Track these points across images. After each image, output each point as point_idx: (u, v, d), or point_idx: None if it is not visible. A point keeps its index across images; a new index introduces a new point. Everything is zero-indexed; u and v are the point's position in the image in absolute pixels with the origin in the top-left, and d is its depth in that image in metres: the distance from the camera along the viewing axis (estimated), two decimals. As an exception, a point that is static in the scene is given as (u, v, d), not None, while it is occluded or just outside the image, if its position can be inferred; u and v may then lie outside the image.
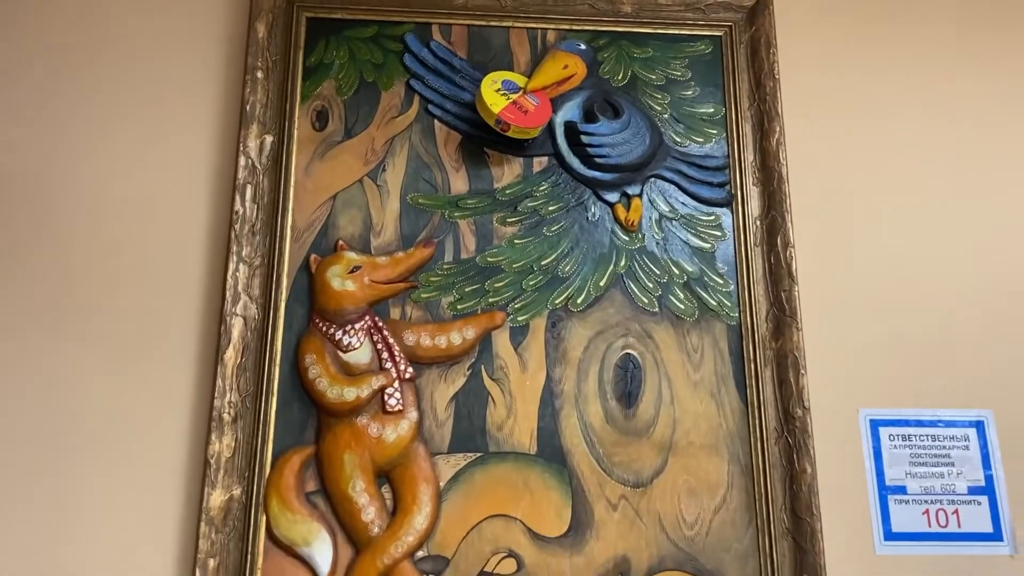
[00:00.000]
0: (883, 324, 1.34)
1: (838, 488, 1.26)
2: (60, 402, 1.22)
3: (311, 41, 1.40)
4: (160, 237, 1.31)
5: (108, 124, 1.36)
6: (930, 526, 1.26)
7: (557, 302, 1.30)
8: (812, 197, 1.39)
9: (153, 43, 1.40)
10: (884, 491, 1.27)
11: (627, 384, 1.28)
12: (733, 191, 1.37)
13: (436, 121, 1.38)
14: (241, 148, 1.31)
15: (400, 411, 1.22)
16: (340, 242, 1.30)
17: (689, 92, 1.43)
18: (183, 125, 1.37)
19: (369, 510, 1.18)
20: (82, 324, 1.26)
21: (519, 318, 1.29)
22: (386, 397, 1.22)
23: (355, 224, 1.32)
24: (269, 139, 1.34)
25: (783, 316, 1.30)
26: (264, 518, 1.18)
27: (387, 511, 1.19)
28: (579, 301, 1.30)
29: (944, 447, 1.29)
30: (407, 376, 1.24)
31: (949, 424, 1.30)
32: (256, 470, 1.19)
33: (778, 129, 1.39)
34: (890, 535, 1.25)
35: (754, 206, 1.37)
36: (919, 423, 1.30)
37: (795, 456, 1.24)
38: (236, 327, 1.24)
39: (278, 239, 1.29)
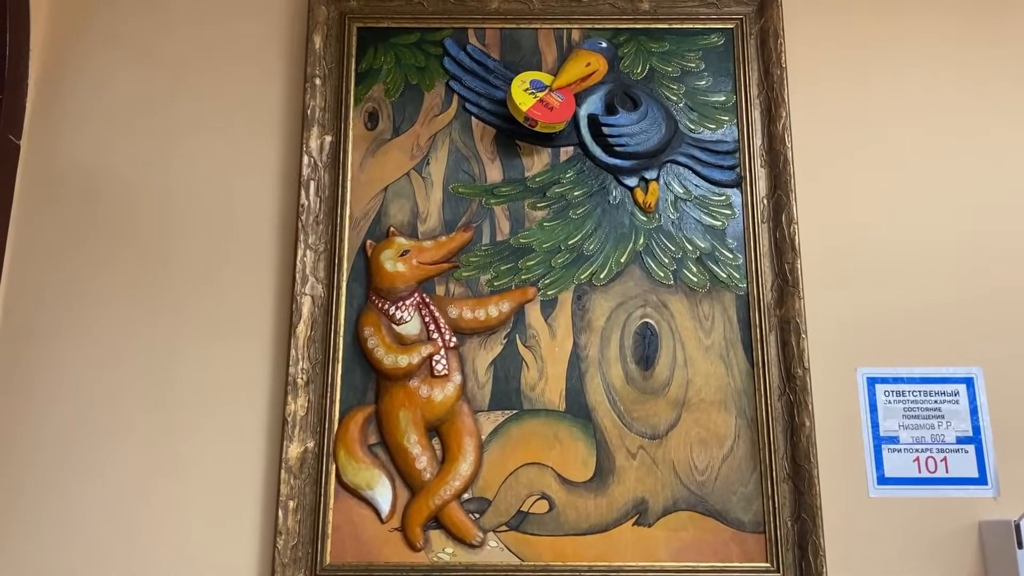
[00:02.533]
0: (880, 290, 1.48)
1: (836, 439, 1.41)
2: (157, 370, 1.45)
3: (361, 49, 1.58)
4: (238, 226, 1.52)
5: (190, 128, 1.56)
6: (920, 472, 1.41)
7: (582, 277, 1.47)
8: (815, 177, 1.52)
9: (224, 57, 1.60)
10: (878, 441, 1.42)
11: (645, 349, 1.44)
12: (742, 173, 1.51)
13: (473, 118, 1.55)
14: (304, 148, 1.51)
15: (446, 375, 1.41)
16: (391, 229, 1.49)
17: (702, 82, 1.57)
18: (253, 128, 1.56)
19: (422, 459, 1.38)
20: (175, 303, 1.48)
21: (548, 292, 1.47)
22: (434, 363, 1.41)
23: (404, 212, 1.51)
24: (328, 139, 1.53)
25: (786, 286, 1.45)
26: (334, 466, 1.39)
27: (437, 460, 1.39)
28: (602, 276, 1.47)
29: (936, 401, 1.43)
30: (451, 345, 1.43)
31: (941, 380, 1.44)
32: (326, 426, 1.40)
33: (784, 115, 1.52)
34: (883, 480, 1.40)
35: (761, 186, 1.51)
36: (912, 380, 1.44)
37: (795, 411, 1.40)
38: (305, 305, 1.44)
39: (338, 227, 1.49)
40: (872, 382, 1.44)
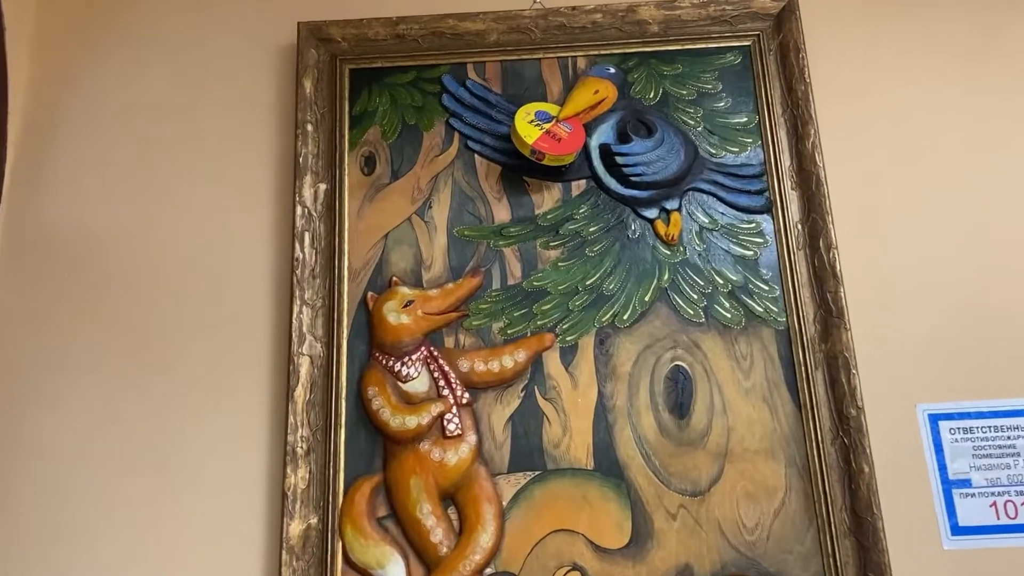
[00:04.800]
0: (933, 317, 1.33)
1: (899, 485, 1.26)
2: (144, 444, 1.33)
3: (355, 91, 1.49)
4: (230, 284, 1.41)
5: (176, 183, 1.47)
6: (999, 518, 1.24)
7: (604, 320, 1.34)
8: (851, 196, 1.40)
9: (210, 107, 1.51)
10: (947, 485, 1.26)
11: (678, 395, 1.31)
12: (772, 197, 1.39)
13: (476, 155, 1.45)
14: (297, 198, 1.40)
15: (459, 435, 1.28)
16: (394, 278, 1.37)
17: (721, 104, 1.45)
18: (243, 180, 1.46)
19: (437, 531, 1.24)
20: (164, 369, 1.36)
21: (567, 338, 1.34)
22: (445, 423, 1.28)
23: (406, 260, 1.39)
24: (323, 187, 1.42)
25: (830, 317, 1.31)
26: (340, 544, 1.25)
27: (454, 531, 1.25)
28: (625, 317, 1.34)
29: (1009, 437, 1.28)
30: (464, 401, 1.30)
31: (1013, 414, 1.29)
32: (330, 499, 1.27)
33: (812, 132, 1.40)
34: (957, 530, 1.24)
35: (794, 210, 1.38)
36: (980, 415, 1.29)
37: (852, 456, 1.25)
38: (303, 366, 1.32)
39: (336, 280, 1.37)
40: (935, 419, 1.29)
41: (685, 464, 1.28)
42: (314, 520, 1.26)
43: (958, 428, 1.29)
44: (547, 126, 1.39)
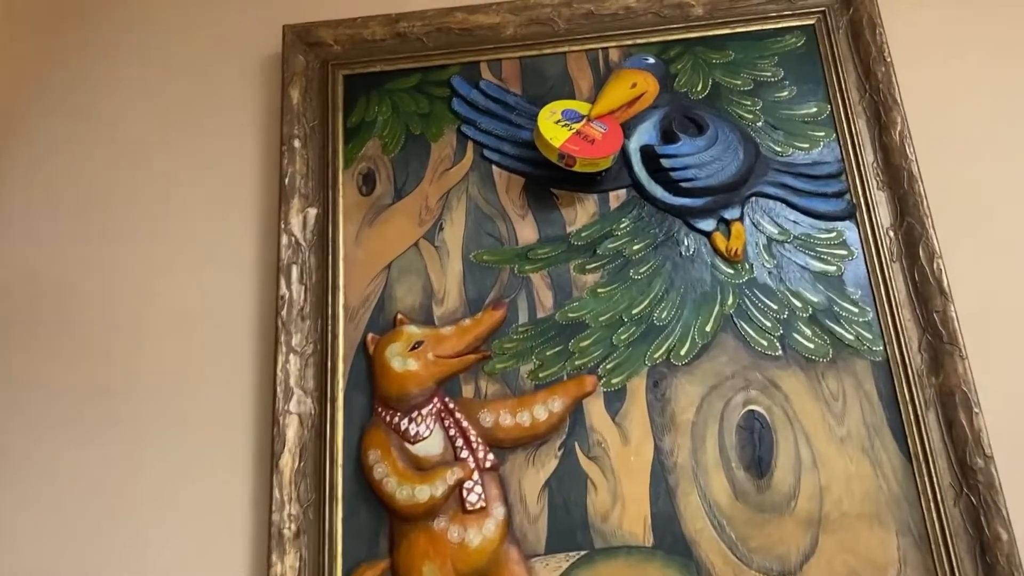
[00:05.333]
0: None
1: (1050, 556, 0.98)
2: (109, 524, 1.09)
3: (350, 100, 1.27)
4: (209, 331, 1.18)
5: (149, 217, 1.25)
6: None
7: (656, 356, 1.09)
8: (953, 194, 1.14)
9: (188, 126, 1.30)
10: (1113, 555, 0.98)
11: (755, 448, 1.04)
12: (855, 200, 1.14)
13: (494, 167, 1.22)
14: (283, 225, 1.18)
15: (483, 508, 1.03)
16: (399, 316, 1.14)
17: (784, 93, 1.21)
18: (225, 208, 1.25)
19: (458, 632, 0.98)
20: (131, 430, 1.14)
21: (613, 381, 1.09)
22: (465, 493, 1.03)
23: (414, 294, 1.16)
24: (313, 212, 1.20)
25: (940, 343, 1.05)
26: (338, 651, 1.00)
27: (480, 631, 0.99)
28: (683, 352, 1.09)
29: None
30: (488, 465, 1.05)
31: None
32: (325, 593, 1.02)
33: (899, 120, 1.15)
34: None
35: (884, 214, 1.13)
36: None
37: (983, 519, 0.97)
38: (291, 427, 1.08)
39: (330, 321, 1.14)
40: (1087, 468, 1.01)
41: (769, 535, 1.01)
42: (306, 620, 1.01)
43: (1117, 479, 1.00)
44: (577, 126, 1.15)
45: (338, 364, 1.12)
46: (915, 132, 1.15)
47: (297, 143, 1.23)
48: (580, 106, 1.19)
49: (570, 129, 1.15)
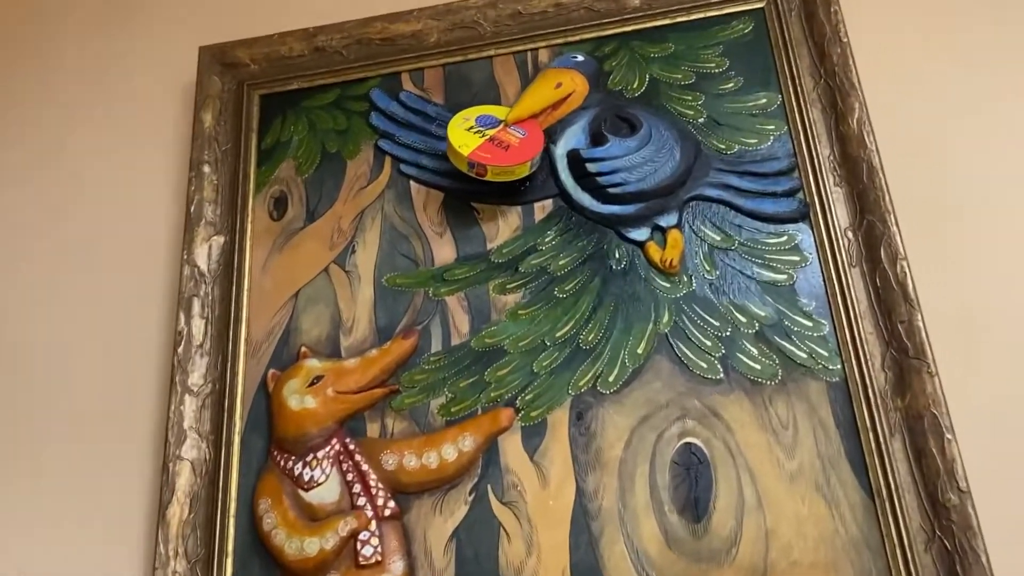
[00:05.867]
0: (1071, 348, 0.89)
1: (1047, 612, 0.81)
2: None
3: (266, 121, 1.19)
4: (111, 371, 1.10)
5: (54, 254, 1.19)
6: None
7: (581, 385, 0.96)
8: (919, 188, 0.99)
9: (106, 157, 1.24)
10: None
11: (692, 488, 0.90)
12: (808, 198, 1.00)
13: (412, 182, 1.11)
14: (185, 256, 1.10)
15: (379, 563, 0.91)
16: (303, 349, 1.04)
17: (730, 84, 1.08)
18: (132, 240, 1.17)
19: None
20: (25, 479, 1.05)
21: (532, 414, 0.96)
22: (359, 546, 0.91)
23: (321, 324, 1.06)
24: (220, 240, 1.12)
25: (906, 359, 0.89)
26: None
27: None
28: (611, 379, 0.96)
29: None
30: (387, 513, 0.93)
31: None
32: (207, 661, 0.91)
33: (857, 106, 1.01)
34: None
35: (841, 213, 0.98)
36: None
37: (959, 567, 0.81)
38: (182, 474, 0.99)
39: (231, 358, 1.05)
40: (1092, 504, 0.84)
41: (706, 591, 0.86)
42: None
43: None
44: (491, 132, 1.05)
45: (236, 404, 1.03)
46: (875, 120, 1.01)
47: (207, 168, 1.16)
48: (498, 111, 1.08)
49: (483, 136, 1.04)
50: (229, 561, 0.95)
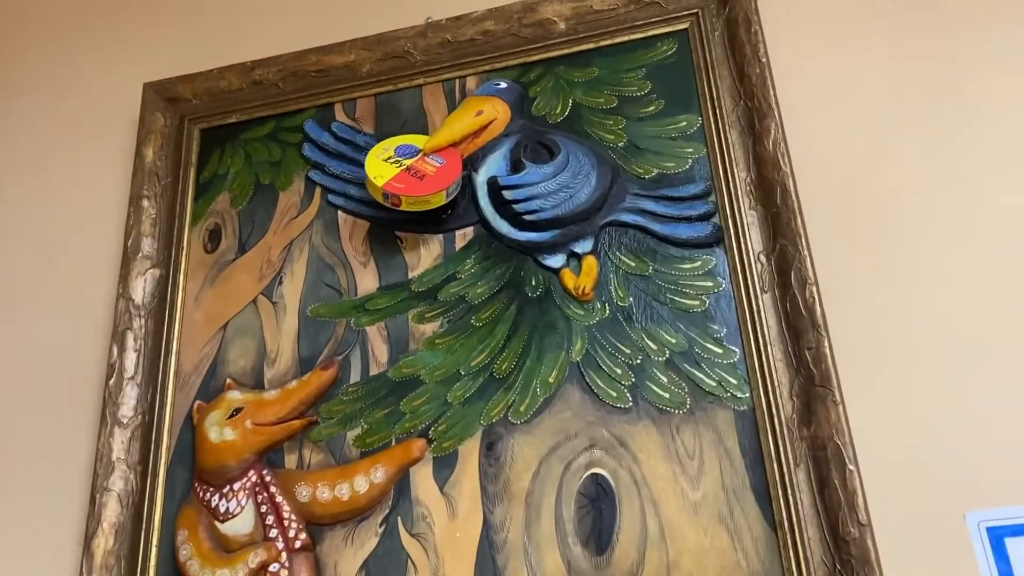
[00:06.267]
0: (979, 379, 0.87)
1: (947, 648, 0.78)
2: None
3: (205, 154, 1.21)
4: (45, 401, 1.13)
5: (9, 290, 1.22)
6: None
7: (493, 415, 0.96)
8: (833, 211, 0.97)
9: (52, 192, 1.27)
10: (1032, 646, 0.78)
11: (596, 519, 0.89)
12: (722, 222, 0.98)
13: (339, 212, 1.13)
14: (120, 290, 1.13)
15: (287, 595, 0.91)
16: (228, 381, 1.05)
17: (651, 108, 1.08)
18: (74, 274, 1.20)
19: None
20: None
21: (444, 444, 0.96)
22: (268, 577, 0.92)
23: (247, 356, 1.07)
24: (155, 273, 1.14)
25: (812, 386, 0.88)
26: None
27: None
28: (522, 409, 0.96)
29: None
30: (298, 545, 0.94)
31: None
32: None
33: (774, 127, 1.00)
34: None
35: (755, 238, 0.97)
36: (1077, 524, 0.80)
37: (859, 604, 0.79)
38: (108, 505, 1.01)
39: (159, 390, 1.07)
40: (997, 536, 0.82)
41: (606, 624, 0.85)
42: None
43: (1041, 548, 0.80)
44: (408, 162, 1.05)
45: (163, 436, 1.05)
46: (792, 142, 1.00)
47: (146, 203, 1.18)
48: (417, 140, 1.09)
49: (399, 166, 1.05)
50: (149, 593, 0.97)
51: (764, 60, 1.04)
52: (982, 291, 0.90)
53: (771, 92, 1.02)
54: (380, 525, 0.94)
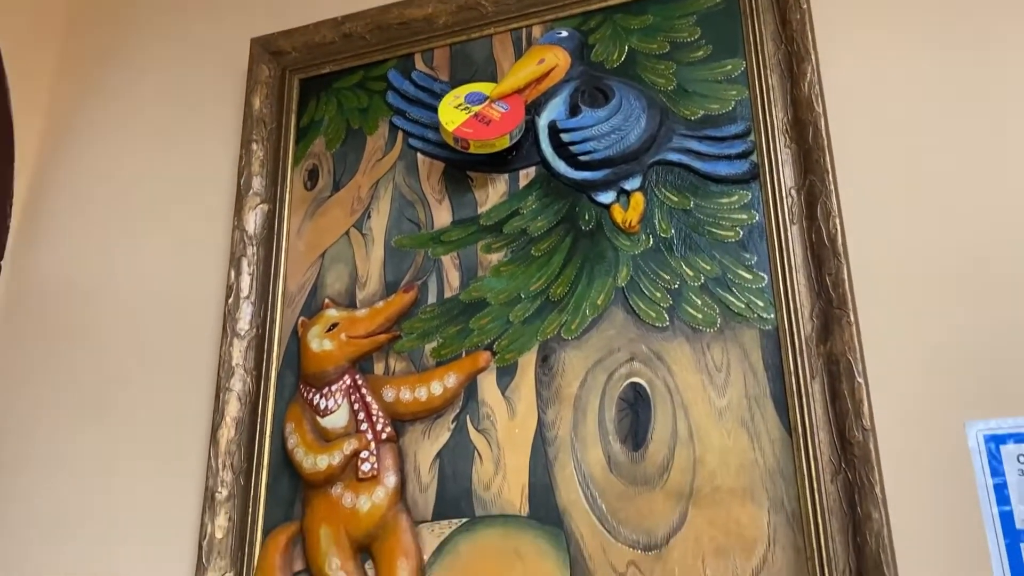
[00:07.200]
0: (988, 300, 0.95)
1: (936, 537, 0.90)
2: (88, 484, 1.27)
3: (304, 102, 1.38)
4: (184, 322, 1.33)
5: (147, 226, 1.43)
6: (1097, 588, 0.84)
7: (548, 332, 1.11)
8: (866, 153, 1.05)
9: (178, 144, 1.46)
10: (1013, 537, 0.88)
11: (634, 421, 1.03)
12: (759, 159, 1.08)
13: (419, 154, 1.27)
14: (236, 222, 1.31)
15: (375, 477, 1.10)
16: (326, 300, 1.23)
17: (700, 53, 1.17)
18: (207, 211, 1.39)
19: (346, 591, 1.07)
20: (120, 417, 1.31)
21: (507, 356, 1.11)
22: (360, 463, 1.11)
23: (342, 280, 1.24)
24: (264, 208, 1.32)
25: (831, 308, 0.98)
26: (253, 602, 1.12)
27: (369, 591, 1.07)
28: (574, 327, 1.10)
29: (1114, 467, 0.87)
30: (384, 437, 1.12)
31: (1121, 431, 0.88)
32: (247, 550, 1.14)
33: (810, 71, 1.08)
34: (1029, 603, 0.86)
35: (787, 174, 1.06)
36: (1068, 434, 0.89)
37: (857, 495, 0.91)
38: (230, 403, 1.22)
39: (271, 307, 1.26)
40: (994, 442, 0.91)
41: (639, 508, 1.00)
42: (231, 574, 1.14)
43: (1032, 454, 0.90)
44: (476, 108, 1.18)
45: (273, 346, 1.24)
46: (829, 86, 1.07)
47: (255, 146, 1.36)
48: (486, 87, 1.22)
49: (468, 112, 1.18)
50: (264, 472, 1.17)
51: (805, 6, 1.11)
52: (985, 220, 0.97)
53: (809, 37, 1.09)
54: (452, 422, 1.11)
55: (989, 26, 1.05)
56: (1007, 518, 0.89)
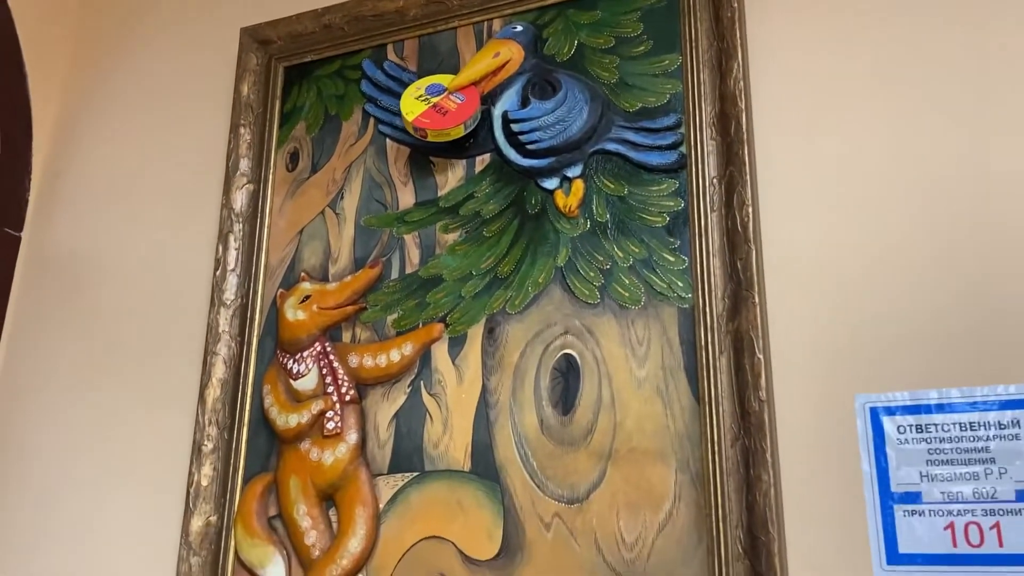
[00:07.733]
0: (883, 287, 1.04)
1: (821, 499, 1.00)
2: (96, 445, 1.43)
3: (288, 89, 1.49)
4: (178, 293, 1.47)
5: (149, 202, 1.56)
6: (956, 545, 0.95)
7: (495, 306, 1.22)
8: (784, 147, 1.13)
9: (178, 126, 1.59)
10: (888, 500, 0.98)
11: (564, 388, 1.15)
12: (687, 150, 1.17)
13: (388, 140, 1.38)
14: (224, 201, 1.44)
15: (338, 434, 1.23)
16: (302, 274, 1.36)
17: (642, 47, 1.25)
18: (199, 190, 1.51)
19: (311, 533, 1.21)
20: (122, 379, 1.46)
21: (457, 328, 1.23)
22: (325, 421, 1.24)
23: (317, 255, 1.37)
24: (250, 188, 1.44)
25: (740, 290, 1.08)
26: (233, 542, 1.26)
27: (331, 534, 1.21)
28: (517, 302, 1.21)
29: (980, 438, 0.97)
30: (348, 399, 1.25)
31: (989, 407, 0.97)
32: (228, 497, 1.29)
33: (736, 67, 1.16)
34: (896, 557, 0.96)
35: (711, 164, 1.15)
36: (943, 407, 0.99)
37: (751, 459, 1.02)
38: (216, 365, 1.35)
39: (253, 280, 1.39)
40: (878, 414, 1.01)
41: (565, 466, 1.12)
42: (214, 517, 1.29)
43: (910, 426, 1.00)
44: (435, 99, 1.29)
45: (256, 315, 1.37)
46: (755, 82, 1.16)
47: (243, 130, 1.48)
48: (445, 79, 1.32)
49: (427, 103, 1.28)
50: (245, 428, 1.31)
51: (735, 5, 1.19)
52: (883, 216, 1.06)
53: (738, 34, 1.17)
54: (408, 387, 1.24)
55: (915, 24, 1.12)
56: (884, 481, 0.99)
